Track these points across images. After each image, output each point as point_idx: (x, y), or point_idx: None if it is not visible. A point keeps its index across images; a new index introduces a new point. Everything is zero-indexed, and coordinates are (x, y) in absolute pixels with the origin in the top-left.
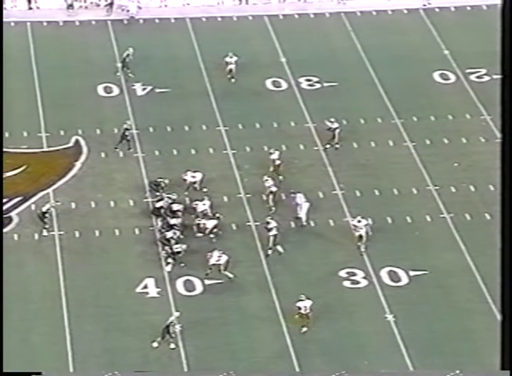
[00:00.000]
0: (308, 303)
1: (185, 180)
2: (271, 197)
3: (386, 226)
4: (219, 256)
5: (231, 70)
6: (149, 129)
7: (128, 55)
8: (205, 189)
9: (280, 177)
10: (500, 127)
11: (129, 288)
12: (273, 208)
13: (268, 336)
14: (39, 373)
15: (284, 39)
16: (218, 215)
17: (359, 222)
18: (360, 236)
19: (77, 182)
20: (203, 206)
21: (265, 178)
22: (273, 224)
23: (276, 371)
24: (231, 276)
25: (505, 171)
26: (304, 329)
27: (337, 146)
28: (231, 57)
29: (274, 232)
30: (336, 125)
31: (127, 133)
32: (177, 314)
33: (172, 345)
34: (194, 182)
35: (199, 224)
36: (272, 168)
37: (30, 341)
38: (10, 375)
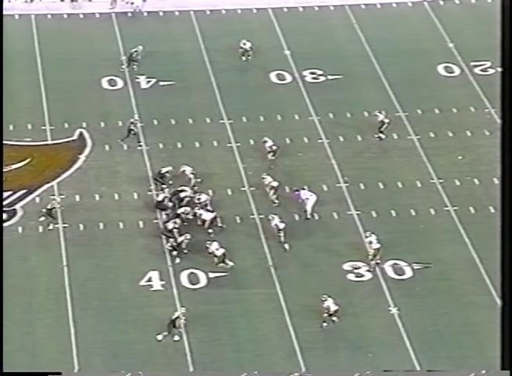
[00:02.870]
0: (331, 300)
1: (183, 171)
2: (272, 191)
3: (390, 219)
4: (217, 248)
5: (246, 50)
6: (153, 122)
7: (136, 51)
8: (199, 180)
9: (274, 158)
10: (500, 119)
11: (133, 281)
12: (276, 201)
13: (272, 329)
14: (59, 373)
15: (288, 32)
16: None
17: (367, 237)
18: (378, 250)
19: (81, 175)
20: (205, 196)
21: (263, 175)
22: (276, 220)
23: (280, 364)
24: (231, 264)
25: (505, 163)
26: (325, 324)
27: (381, 135)
28: (244, 44)
29: (281, 226)
30: (382, 117)
31: (132, 127)
32: (183, 309)
33: (176, 337)
34: (194, 174)
35: (196, 214)
36: (271, 154)
37: (34, 334)
38: (24, 375)
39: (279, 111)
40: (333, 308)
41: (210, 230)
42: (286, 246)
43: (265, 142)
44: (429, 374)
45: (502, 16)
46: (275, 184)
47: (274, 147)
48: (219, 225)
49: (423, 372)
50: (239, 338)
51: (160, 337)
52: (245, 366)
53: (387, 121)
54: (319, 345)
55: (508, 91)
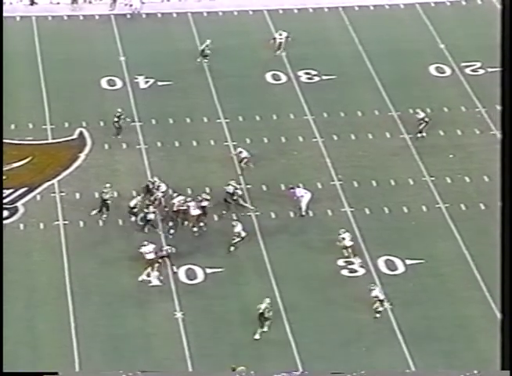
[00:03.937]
0: (378, 289)
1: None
2: (234, 199)
3: (383, 216)
4: (149, 251)
5: (280, 44)
6: (151, 121)
7: (207, 45)
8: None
9: (251, 165)
10: (500, 119)
11: (132, 277)
12: (238, 208)
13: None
14: (55, 373)
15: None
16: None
17: (340, 234)
18: (345, 247)
19: (81, 173)
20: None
21: (232, 183)
22: (239, 228)
23: (276, 359)
24: (155, 273)
25: (505, 163)
26: (378, 315)
27: (421, 135)
28: (280, 35)
29: (243, 234)
30: (422, 115)
31: (116, 119)
32: (268, 300)
33: (265, 328)
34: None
35: (183, 208)
36: (251, 164)
37: (35, 329)
38: (24, 375)
39: (274, 111)
40: (382, 297)
41: (194, 228)
42: (232, 248)
43: (241, 152)
44: (429, 374)
45: (502, 16)
46: (240, 193)
47: (248, 156)
48: (197, 225)
49: (421, 372)
50: (235, 333)
51: (257, 336)
52: (243, 362)
53: (427, 119)
54: (315, 339)
55: (508, 91)
